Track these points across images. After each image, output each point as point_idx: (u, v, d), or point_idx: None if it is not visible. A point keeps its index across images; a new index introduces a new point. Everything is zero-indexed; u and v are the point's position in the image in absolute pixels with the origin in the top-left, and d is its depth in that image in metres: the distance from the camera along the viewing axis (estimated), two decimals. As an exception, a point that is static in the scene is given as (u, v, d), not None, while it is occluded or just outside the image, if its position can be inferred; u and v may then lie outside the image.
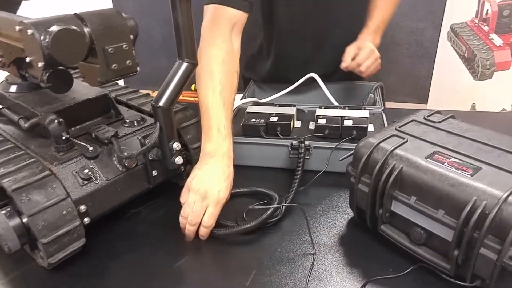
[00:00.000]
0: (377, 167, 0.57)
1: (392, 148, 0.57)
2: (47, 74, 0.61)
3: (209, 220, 0.61)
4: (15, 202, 0.52)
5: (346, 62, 0.96)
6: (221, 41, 0.73)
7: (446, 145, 0.56)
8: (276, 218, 0.64)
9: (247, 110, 0.84)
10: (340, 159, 0.65)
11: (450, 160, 0.53)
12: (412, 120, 0.65)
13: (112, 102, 0.71)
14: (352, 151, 0.63)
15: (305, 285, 0.54)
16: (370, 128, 0.81)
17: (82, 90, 0.71)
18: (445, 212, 0.50)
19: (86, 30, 0.45)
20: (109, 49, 0.47)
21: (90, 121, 0.68)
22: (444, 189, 0.50)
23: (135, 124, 0.68)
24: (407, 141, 0.59)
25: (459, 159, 0.53)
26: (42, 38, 0.42)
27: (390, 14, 1.05)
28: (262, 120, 0.79)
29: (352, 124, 0.77)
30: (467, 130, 0.60)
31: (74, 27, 0.44)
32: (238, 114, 0.89)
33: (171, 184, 0.74)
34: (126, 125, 0.68)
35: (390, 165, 0.56)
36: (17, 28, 0.43)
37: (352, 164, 0.62)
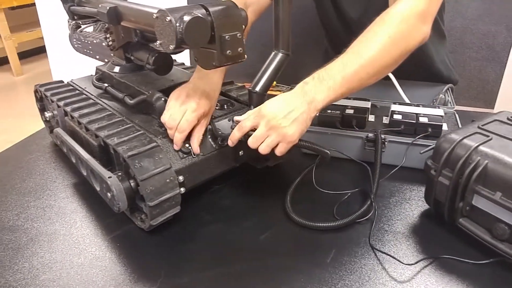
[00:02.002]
0: (460, 162, 0.59)
1: (477, 144, 0.59)
2: (153, 58, 0.68)
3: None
4: (130, 167, 0.59)
5: (232, 139, 0.64)
6: None
7: (534, 145, 0.57)
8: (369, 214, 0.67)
9: (322, 102, 0.87)
10: (421, 152, 0.67)
11: (541, 159, 0.54)
12: (495, 120, 0.66)
13: (204, 86, 0.77)
14: (432, 146, 0.65)
15: (381, 267, 0.57)
16: (444, 127, 0.82)
17: (177, 74, 0.79)
18: (534, 209, 0.51)
19: (209, 19, 0.51)
20: (226, 37, 0.52)
21: (185, 102, 0.75)
22: (534, 186, 0.51)
23: (225, 107, 0.74)
24: (491, 139, 0.60)
25: (550, 159, 0.54)
26: (177, 24, 0.48)
27: (370, 65, 0.61)
28: (338, 112, 0.82)
29: (428, 121, 0.78)
30: (557, 132, 0.60)
31: (202, 16, 0.50)
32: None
33: (249, 166, 0.80)
34: (217, 107, 0.74)
35: (474, 160, 0.58)
36: (155, 15, 0.50)
37: (433, 158, 0.64)
